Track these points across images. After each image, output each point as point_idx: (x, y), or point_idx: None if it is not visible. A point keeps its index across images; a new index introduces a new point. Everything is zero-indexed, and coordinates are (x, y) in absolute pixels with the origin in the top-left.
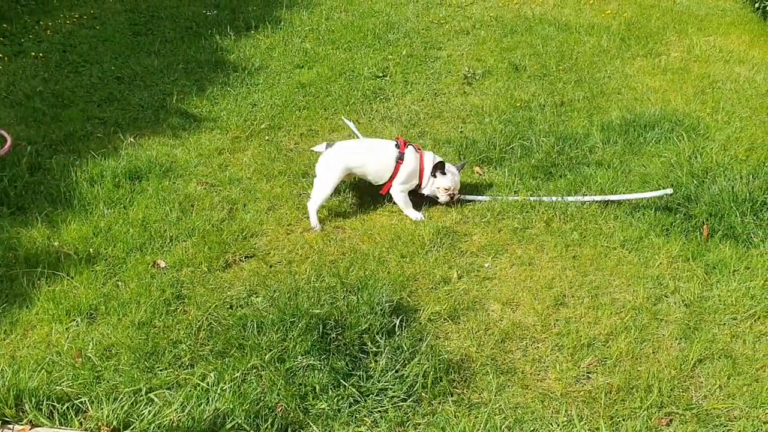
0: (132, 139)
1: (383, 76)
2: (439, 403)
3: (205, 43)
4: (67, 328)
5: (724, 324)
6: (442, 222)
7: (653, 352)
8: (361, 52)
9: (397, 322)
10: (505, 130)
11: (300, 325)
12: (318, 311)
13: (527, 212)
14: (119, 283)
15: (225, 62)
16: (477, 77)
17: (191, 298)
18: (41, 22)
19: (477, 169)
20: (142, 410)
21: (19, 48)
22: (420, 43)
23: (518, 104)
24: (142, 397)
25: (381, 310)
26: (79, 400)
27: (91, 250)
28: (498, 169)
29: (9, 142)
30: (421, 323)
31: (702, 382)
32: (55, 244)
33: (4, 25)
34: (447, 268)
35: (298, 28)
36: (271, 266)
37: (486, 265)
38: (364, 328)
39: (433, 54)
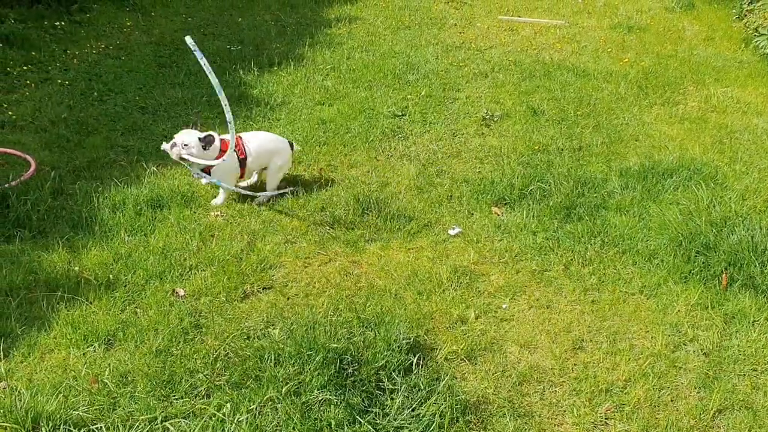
0: (155, 168)
1: (402, 115)
2: None
3: (228, 78)
4: (84, 353)
5: (744, 374)
6: (459, 261)
7: (672, 401)
8: (381, 91)
9: (414, 360)
10: (523, 172)
11: (317, 359)
12: (335, 346)
13: (545, 254)
14: (138, 310)
15: (248, 96)
16: (495, 119)
17: (209, 327)
18: (68, 51)
19: (495, 209)
20: None
21: (46, 75)
22: (439, 84)
23: (536, 147)
24: (158, 426)
25: (398, 347)
26: (95, 426)
27: (110, 276)
28: (516, 210)
29: (33, 167)
30: (437, 362)
31: None
32: (76, 269)
33: (33, 53)
34: (464, 307)
35: (320, 66)
36: (288, 298)
37: (504, 306)
38: (380, 364)
39: (452, 95)
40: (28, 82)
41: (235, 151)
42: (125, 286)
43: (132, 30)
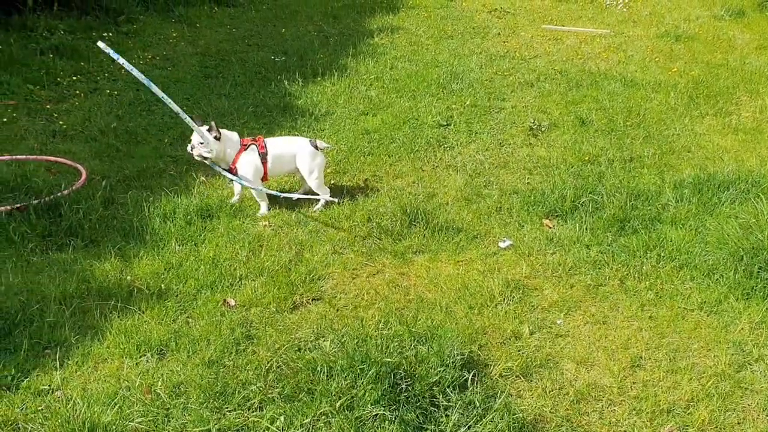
0: (203, 178)
1: (447, 125)
2: None
3: (274, 88)
4: (137, 363)
5: None
6: (511, 274)
7: (738, 423)
8: (425, 101)
9: (470, 377)
10: (574, 184)
11: (370, 372)
12: (388, 360)
13: (600, 268)
14: (189, 320)
15: (293, 107)
16: (543, 129)
17: (260, 338)
18: (116, 62)
19: (546, 221)
20: None
21: (95, 85)
22: (484, 94)
23: (586, 158)
24: None
25: (452, 363)
26: None
27: (162, 285)
28: (568, 222)
29: (84, 176)
30: (492, 379)
31: None
32: (128, 278)
33: (81, 63)
34: (518, 322)
35: (364, 76)
36: (337, 310)
37: (558, 321)
38: (434, 380)
39: (497, 105)
40: (77, 92)
41: (255, 144)
42: (177, 295)
43: (178, 41)
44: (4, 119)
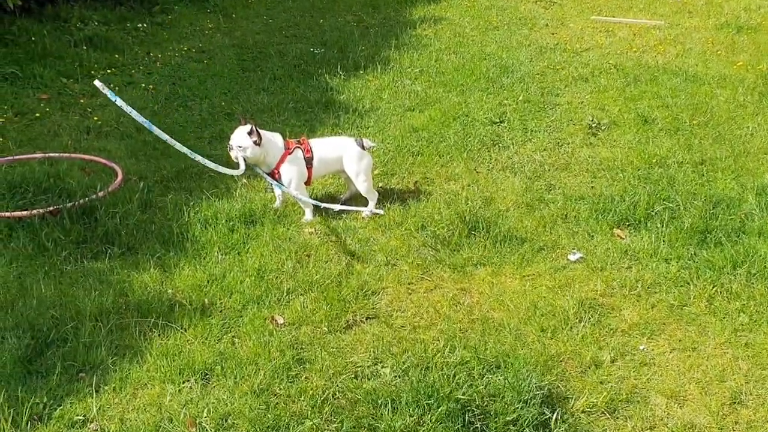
0: (245, 180)
1: (500, 122)
2: None
3: (314, 82)
4: (179, 390)
5: None
6: (584, 292)
7: None
8: (475, 96)
9: (553, 417)
10: (644, 189)
11: (440, 410)
12: (460, 396)
13: (683, 286)
14: (235, 339)
15: (335, 102)
16: (602, 127)
17: (312, 362)
18: (151, 54)
19: (618, 231)
20: None
21: (129, 78)
22: (536, 89)
23: (653, 160)
24: None
25: (530, 397)
26: None
27: (205, 300)
28: (642, 232)
29: (120, 177)
30: (575, 416)
31: None
32: (169, 291)
33: (116, 56)
34: (597, 348)
35: (408, 69)
36: (395, 330)
37: (641, 347)
38: (511, 418)
39: (552, 100)
40: (112, 85)
41: (300, 147)
42: (221, 311)
43: (213, 32)
44: (37, 114)
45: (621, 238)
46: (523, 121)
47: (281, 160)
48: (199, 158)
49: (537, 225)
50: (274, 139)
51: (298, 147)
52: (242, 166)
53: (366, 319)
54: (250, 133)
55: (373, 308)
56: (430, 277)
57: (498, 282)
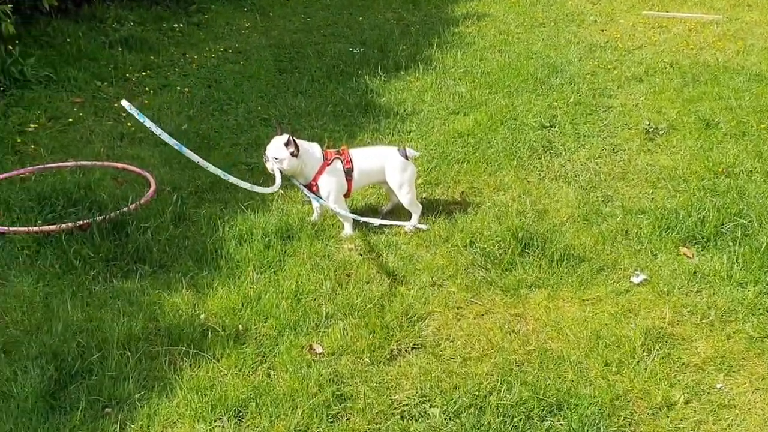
0: (282, 191)
1: (550, 126)
2: None
3: (354, 84)
4: (211, 429)
5: None
6: (651, 320)
7: None
8: (523, 98)
9: None
10: (711, 202)
11: None
12: None
13: (762, 314)
14: (271, 371)
15: (375, 106)
16: (660, 132)
17: (354, 399)
18: (187, 55)
19: (684, 250)
20: None
21: (164, 81)
22: (588, 90)
23: (719, 169)
24: None
25: None
26: None
27: (239, 325)
28: (712, 252)
29: (153, 187)
30: None
31: None
32: (201, 316)
33: (151, 57)
34: (668, 386)
35: (451, 69)
36: (442, 362)
37: (718, 385)
38: None
39: (604, 102)
40: (147, 88)
41: (339, 158)
42: (256, 338)
43: (250, 32)
44: (70, 119)
45: (688, 257)
46: (575, 125)
47: (320, 172)
48: (232, 179)
49: (595, 242)
50: (311, 150)
51: (338, 158)
52: (278, 181)
53: (411, 349)
54: (287, 144)
55: (419, 336)
56: (481, 301)
57: (555, 307)
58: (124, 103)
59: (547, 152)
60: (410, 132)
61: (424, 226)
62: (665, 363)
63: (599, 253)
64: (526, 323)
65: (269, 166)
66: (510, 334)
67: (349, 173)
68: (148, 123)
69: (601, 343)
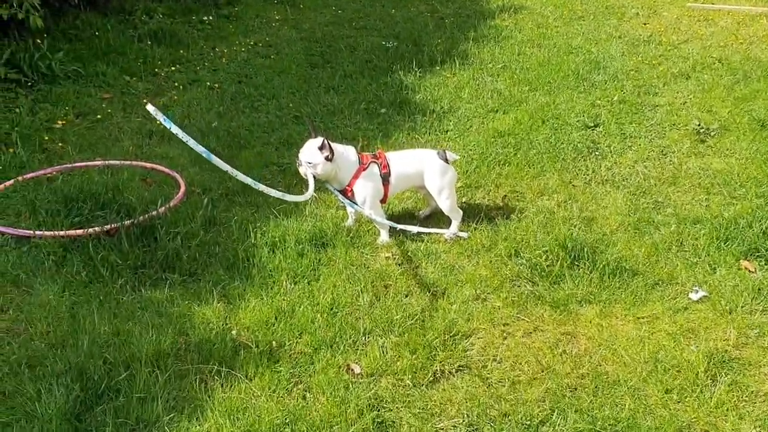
0: (315, 194)
1: (594, 126)
2: None
3: (387, 80)
4: None
5: None
6: (713, 342)
7: None
8: (564, 96)
9: None
10: None
11: None
12: None
13: None
14: (307, 393)
15: (410, 103)
16: (711, 133)
17: (396, 426)
18: (216, 49)
19: (745, 263)
20: None
21: (194, 76)
22: (632, 87)
23: None
24: None
25: None
26: None
27: (273, 341)
28: None
29: (182, 189)
30: None
31: None
32: (233, 332)
33: (180, 51)
34: (737, 418)
35: (489, 64)
36: (489, 386)
37: None
38: None
39: (650, 101)
40: (176, 84)
41: (376, 162)
42: (290, 355)
43: (281, 24)
44: (98, 116)
45: (750, 272)
46: (620, 125)
47: (355, 177)
48: (263, 188)
49: (648, 253)
50: (347, 153)
51: (374, 162)
52: (311, 187)
53: (456, 371)
54: (321, 148)
55: (464, 356)
56: (528, 317)
57: (608, 325)
58: (150, 107)
59: (593, 154)
60: (447, 131)
61: (464, 234)
62: (732, 391)
63: (653, 266)
64: (577, 343)
65: (302, 170)
66: (561, 355)
67: (386, 178)
68: (174, 129)
69: (660, 367)
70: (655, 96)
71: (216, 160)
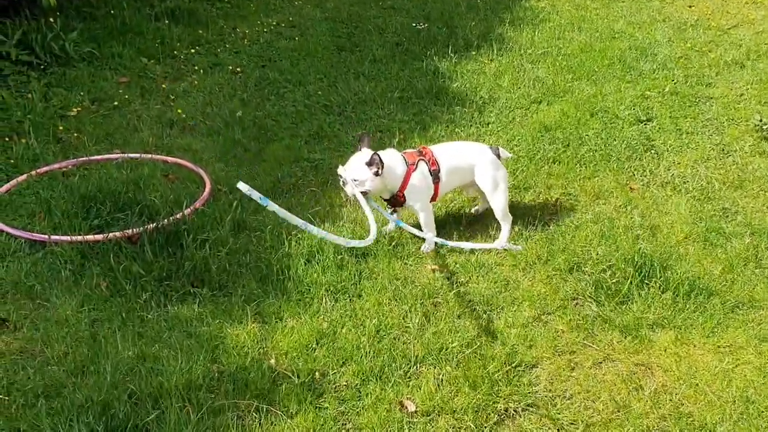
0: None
1: (647, 120)
2: None
3: (420, 65)
4: None
5: None
6: None
7: None
8: (611, 86)
9: None
10: None
11: None
12: None
13: None
14: None
15: (447, 92)
16: None
17: None
18: (237, 29)
19: None
20: None
21: (215, 59)
22: (682, 77)
23: None
24: None
25: None
26: None
27: (315, 372)
28: None
29: (208, 188)
30: None
31: None
32: (272, 361)
33: (200, 31)
34: None
35: (528, 50)
36: (561, 429)
37: None
38: None
39: (703, 92)
40: (195, 67)
41: (423, 159)
42: (335, 388)
43: (304, 2)
44: (116, 102)
45: None
46: (675, 119)
47: (405, 180)
48: (325, 235)
49: (723, 270)
50: (392, 160)
51: (422, 159)
52: (372, 227)
53: (522, 410)
54: (370, 164)
55: (530, 392)
56: (596, 343)
57: (685, 354)
58: (242, 186)
59: (648, 152)
60: (489, 124)
61: (516, 247)
62: None
63: (730, 285)
64: (653, 375)
65: (349, 190)
66: (637, 391)
67: (435, 175)
68: (271, 206)
69: (753, 409)
70: (708, 87)
71: (317, 231)
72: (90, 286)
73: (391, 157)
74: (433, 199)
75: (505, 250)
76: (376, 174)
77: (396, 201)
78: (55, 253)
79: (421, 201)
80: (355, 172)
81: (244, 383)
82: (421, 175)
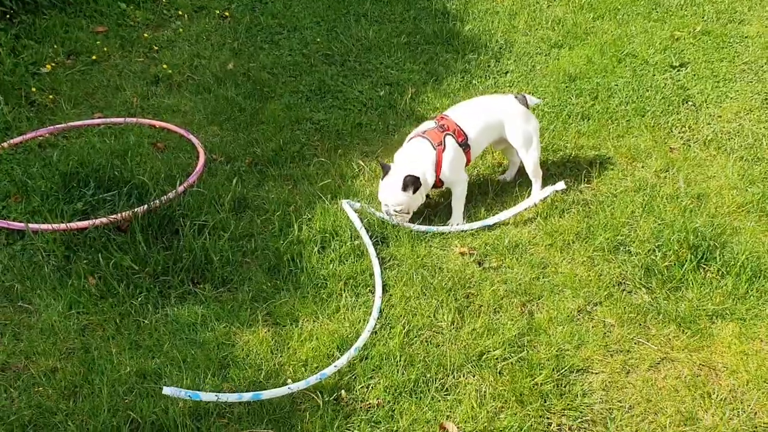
0: (361, 162)
1: (680, 66)
2: None
3: (427, 4)
4: None
5: None
6: None
7: None
8: (637, 25)
9: None
10: None
11: None
12: None
13: None
14: None
15: (458, 36)
16: None
17: None
18: None
19: None
20: None
21: (200, 1)
22: (713, 14)
23: None
24: None
25: None
26: None
27: (342, 391)
28: None
29: (202, 160)
30: None
31: None
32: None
33: None
34: None
35: None
36: None
37: None
38: None
39: (736, 31)
40: (179, 12)
41: (452, 135)
42: (365, 409)
43: None
44: (93, 56)
45: None
46: (709, 63)
47: (438, 166)
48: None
49: None
50: (422, 162)
51: (448, 134)
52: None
53: (578, 428)
54: (405, 188)
55: (585, 404)
56: (651, 340)
57: (752, 352)
58: (343, 203)
59: (685, 104)
60: (507, 73)
61: (560, 185)
62: None
63: None
64: (718, 378)
65: (398, 221)
66: (703, 399)
67: (464, 145)
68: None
69: None
70: (741, 24)
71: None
72: (77, 286)
73: (419, 155)
74: (468, 163)
75: (543, 201)
76: (416, 191)
77: (436, 185)
78: (35, 245)
79: (457, 176)
80: (393, 199)
81: (260, 405)
82: (452, 152)
